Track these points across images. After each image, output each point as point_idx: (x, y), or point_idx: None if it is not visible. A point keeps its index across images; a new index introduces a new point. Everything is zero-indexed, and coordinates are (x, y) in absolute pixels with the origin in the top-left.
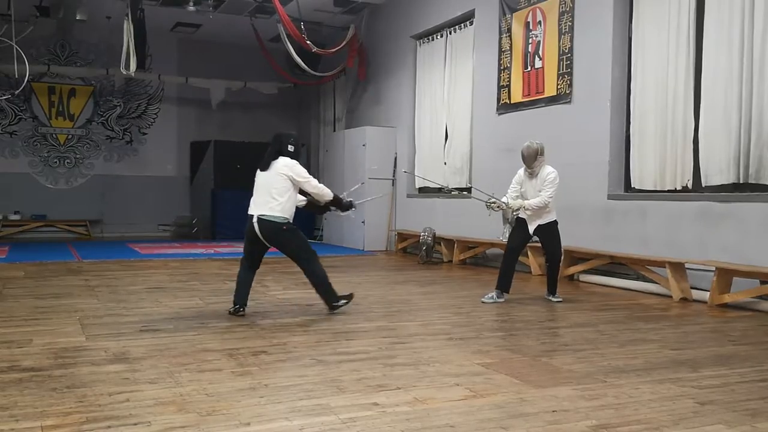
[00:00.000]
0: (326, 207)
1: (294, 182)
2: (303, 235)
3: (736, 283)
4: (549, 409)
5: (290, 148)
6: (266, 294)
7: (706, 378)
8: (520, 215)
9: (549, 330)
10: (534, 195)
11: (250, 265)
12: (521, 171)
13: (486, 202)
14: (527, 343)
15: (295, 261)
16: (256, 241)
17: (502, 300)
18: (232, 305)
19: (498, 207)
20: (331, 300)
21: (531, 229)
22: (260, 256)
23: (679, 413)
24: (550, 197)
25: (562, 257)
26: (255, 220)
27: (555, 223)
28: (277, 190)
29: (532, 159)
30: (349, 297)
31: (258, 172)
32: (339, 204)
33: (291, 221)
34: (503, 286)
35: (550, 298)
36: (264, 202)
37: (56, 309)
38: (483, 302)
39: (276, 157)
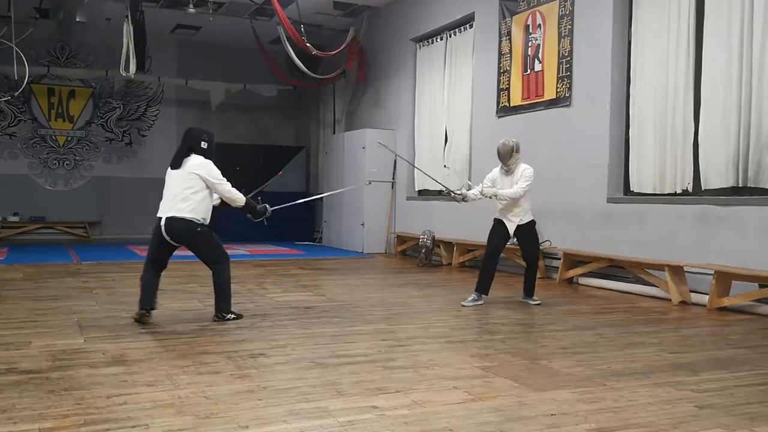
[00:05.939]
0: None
1: (207, 183)
2: (217, 238)
3: (735, 287)
4: (548, 412)
5: (203, 145)
6: (265, 296)
7: (705, 381)
8: (497, 216)
9: (548, 333)
10: None
11: (156, 266)
12: (496, 169)
13: (453, 192)
14: (526, 346)
15: (207, 264)
16: (163, 243)
17: (481, 302)
18: (139, 310)
19: (463, 198)
20: (223, 309)
21: (510, 230)
22: (167, 259)
23: (678, 417)
24: (524, 189)
25: (539, 258)
26: (163, 222)
27: (533, 223)
28: (190, 190)
29: (508, 156)
30: (239, 316)
31: (168, 170)
32: (252, 211)
33: (206, 223)
34: (483, 289)
35: (528, 300)
36: (176, 202)
37: (55, 311)
38: (464, 306)
39: (188, 155)
